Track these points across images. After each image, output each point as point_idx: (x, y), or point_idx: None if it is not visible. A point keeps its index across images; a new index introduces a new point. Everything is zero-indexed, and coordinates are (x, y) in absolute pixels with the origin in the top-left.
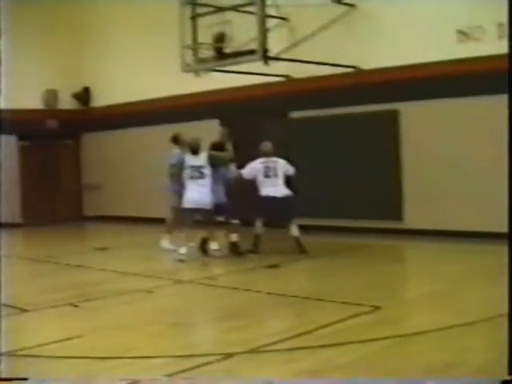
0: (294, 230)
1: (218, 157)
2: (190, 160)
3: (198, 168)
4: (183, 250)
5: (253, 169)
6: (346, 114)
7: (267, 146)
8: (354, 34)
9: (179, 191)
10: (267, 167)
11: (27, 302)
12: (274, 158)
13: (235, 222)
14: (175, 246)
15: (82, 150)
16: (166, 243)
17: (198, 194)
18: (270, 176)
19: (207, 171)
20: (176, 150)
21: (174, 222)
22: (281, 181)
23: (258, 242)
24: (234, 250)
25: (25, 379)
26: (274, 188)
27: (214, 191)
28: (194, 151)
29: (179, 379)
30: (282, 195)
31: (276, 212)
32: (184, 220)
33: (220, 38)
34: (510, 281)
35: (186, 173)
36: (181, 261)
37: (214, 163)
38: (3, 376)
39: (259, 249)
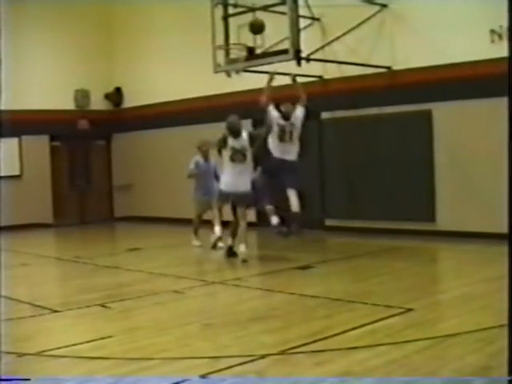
0: (295, 204)
1: (258, 136)
2: (232, 142)
3: (240, 151)
4: (217, 230)
5: (273, 116)
6: (378, 114)
7: (288, 107)
8: (386, 34)
9: (203, 198)
10: (283, 131)
11: (58, 303)
12: (292, 121)
13: (270, 207)
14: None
15: (113, 151)
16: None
17: (236, 178)
18: (286, 140)
19: (250, 154)
20: (196, 156)
21: (198, 227)
22: (295, 147)
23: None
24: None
25: (27, 379)
26: (286, 153)
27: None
28: (235, 134)
29: (211, 380)
30: (292, 159)
31: (283, 176)
32: (219, 204)
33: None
34: (510, 281)
35: (227, 154)
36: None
37: (255, 141)
38: (4, 376)
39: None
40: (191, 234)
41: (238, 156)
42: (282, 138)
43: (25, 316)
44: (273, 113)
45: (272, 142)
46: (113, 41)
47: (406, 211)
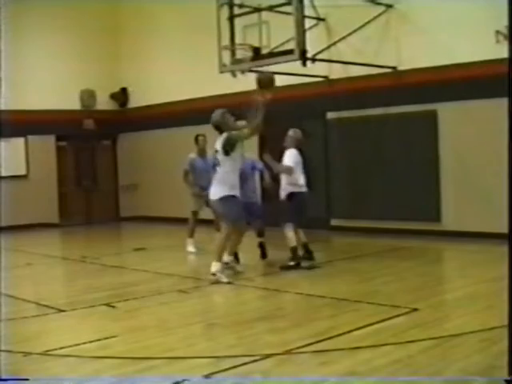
0: (302, 234)
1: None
2: (217, 140)
3: (216, 153)
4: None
5: (297, 162)
6: (384, 114)
7: (298, 133)
8: (392, 34)
9: (200, 193)
10: (303, 161)
11: (64, 303)
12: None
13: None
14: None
15: (118, 151)
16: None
17: (210, 182)
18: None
19: (221, 157)
20: (191, 155)
21: (194, 227)
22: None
23: (296, 254)
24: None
25: (26, 379)
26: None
27: (241, 187)
28: (217, 131)
29: (215, 380)
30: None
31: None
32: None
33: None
34: (510, 281)
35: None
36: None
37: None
38: (4, 376)
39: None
40: (186, 238)
41: (216, 157)
42: (302, 168)
43: (30, 315)
44: (296, 157)
45: (298, 176)
46: (119, 41)
47: (411, 211)
